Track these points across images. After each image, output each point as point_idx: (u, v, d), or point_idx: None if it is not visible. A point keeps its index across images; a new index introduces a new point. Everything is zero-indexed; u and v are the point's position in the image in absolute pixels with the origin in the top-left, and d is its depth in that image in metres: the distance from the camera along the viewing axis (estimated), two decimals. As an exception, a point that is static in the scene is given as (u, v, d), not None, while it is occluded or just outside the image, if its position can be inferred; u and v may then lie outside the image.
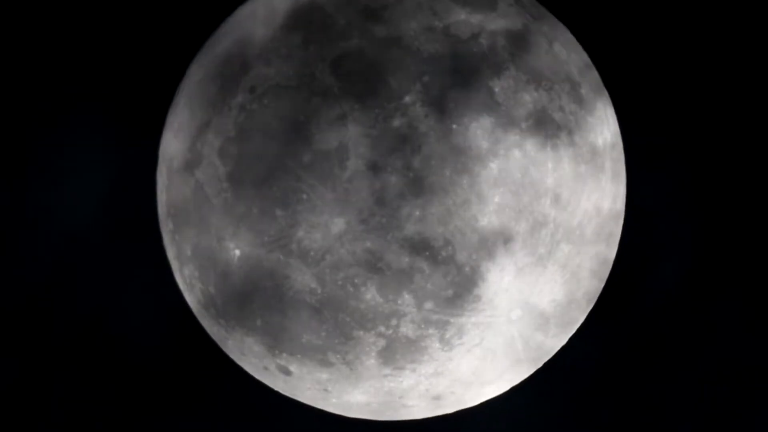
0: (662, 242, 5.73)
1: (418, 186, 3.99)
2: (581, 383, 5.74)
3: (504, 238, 4.09)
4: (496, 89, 4.12)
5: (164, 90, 4.79)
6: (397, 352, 4.23)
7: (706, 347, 5.78)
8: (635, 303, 5.76)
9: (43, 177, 5.64)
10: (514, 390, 4.73)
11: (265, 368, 4.52)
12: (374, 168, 3.99)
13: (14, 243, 5.67)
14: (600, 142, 4.40)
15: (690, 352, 5.78)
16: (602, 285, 4.68)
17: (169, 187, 4.48)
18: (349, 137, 4.00)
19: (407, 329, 4.17)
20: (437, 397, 4.49)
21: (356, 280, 4.07)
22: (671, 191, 5.67)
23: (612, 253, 4.64)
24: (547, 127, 4.18)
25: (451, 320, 4.18)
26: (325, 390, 4.47)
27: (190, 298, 4.63)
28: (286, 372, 4.45)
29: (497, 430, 5.69)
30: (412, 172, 3.99)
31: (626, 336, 5.78)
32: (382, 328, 4.16)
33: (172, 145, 4.47)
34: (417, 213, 4.00)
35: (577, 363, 5.47)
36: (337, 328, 4.17)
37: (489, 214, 4.06)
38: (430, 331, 4.19)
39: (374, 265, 4.05)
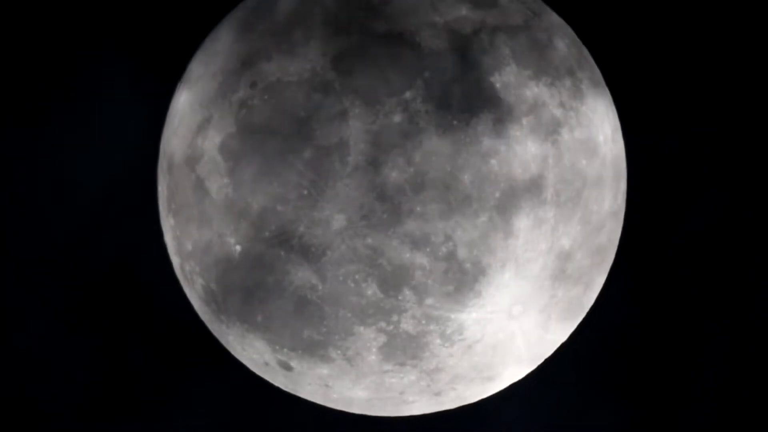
0: (691, 193, 5.73)
1: (419, 182, 3.99)
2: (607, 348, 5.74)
3: (505, 234, 4.09)
4: (497, 85, 4.12)
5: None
6: (398, 348, 4.23)
7: (733, 298, 5.77)
8: (661, 259, 5.75)
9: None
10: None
11: (266, 364, 4.52)
12: (375, 164, 3.99)
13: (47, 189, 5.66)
14: (600, 137, 4.40)
15: (717, 303, 5.77)
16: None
17: (170, 183, 4.48)
18: (350, 133, 4.00)
19: (408, 325, 4.17)
20: (438, 393, 4.49)
21: (357, 276, 4.07)
22: (699, 146, 5.67)
23: (612, 251, 4.64)
24: (548, 122, 4.18)
25: (452, 316, 4.18)
26: (326, 386, 4.48)
27: (191, 294, 4.63)
28: (287, 367, 4.46)
29: (498, 424, 5.70)
30: (413, 167, 3.99)
31: (653, 288, 5.77)
32: (382, 324, 4.16)
33: (173, 140, 4.47)
34: (418, 209, 4.00)
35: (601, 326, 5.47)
36: (338, 323, 4.17)
37: (490, 210, 4.06)
38: (431, 327, 4.19)
39: (375, 261, 4.05)
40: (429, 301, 4.12)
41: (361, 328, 4.17)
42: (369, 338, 4.20)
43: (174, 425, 5.80)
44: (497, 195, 4.06)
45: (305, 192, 4.03)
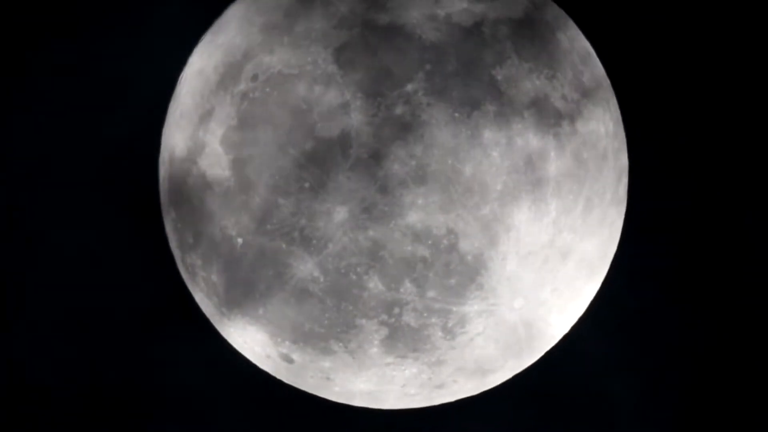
0: (690, 188, 5.70)
1: (420, 174, 3.99)
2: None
3: (506, 226, 4.09)
4: (499, 78, 4.12)
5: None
6: (400, 341, 4.23)
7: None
8: (662, 253, 5.72)
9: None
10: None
11: (268, 356, 4.53)
12: (377, 156, 3.99)
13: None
14: (602, 130, 4.40)
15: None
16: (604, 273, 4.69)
17: (171, 176, 4.48)
18: (352, 125, 4.00)
19: (410, 318, 4.17)
20: (440, 386, 4.49)
21: (359, 269, 4.07)
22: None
23: (613, 246, 4.65)
24: (550, 115, 4.18)
25: (454, 309, 4.18)
26: (328, 378, 4.48)
27: (193, 287, 4.63)
28: (289, 360, 4.46)
29: (499, 417, 5.70)
30: (414, 160, 3.99)
31: (654, 280, 5.75)
32: (384, 317, 4.16)
33: (175, 133, 4.47)
34: (419, 201, 4.00)
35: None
36: (340, 316, 4.17)
37: (491, 203, 4.06)
38: (433, 319, 4.19)
39: (377, 254, 4.05)
40: (431, 293, 4.12)
41: (363, 321, 4.17)
42: (371, 331, 4.20)
43: (174, 420, 5.79)
44: (499, 187, 4.06)
45: (307, 184, 4.03)
